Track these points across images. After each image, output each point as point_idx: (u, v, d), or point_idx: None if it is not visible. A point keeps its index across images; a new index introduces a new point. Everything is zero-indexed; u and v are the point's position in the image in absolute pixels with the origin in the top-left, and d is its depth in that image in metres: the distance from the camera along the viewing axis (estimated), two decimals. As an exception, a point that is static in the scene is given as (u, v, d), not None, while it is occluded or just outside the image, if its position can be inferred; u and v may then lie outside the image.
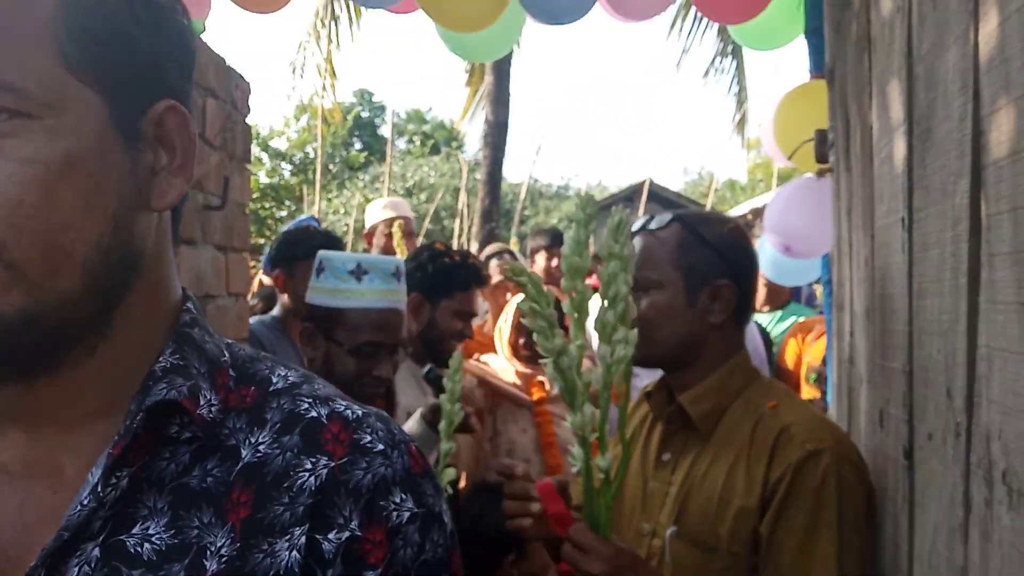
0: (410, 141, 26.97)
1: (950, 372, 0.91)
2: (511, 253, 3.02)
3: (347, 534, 0.63)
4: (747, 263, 1.39)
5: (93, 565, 0.61)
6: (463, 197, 7.16)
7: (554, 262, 3.84)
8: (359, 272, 1.70)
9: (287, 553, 0.62)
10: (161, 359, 0.66)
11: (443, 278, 2.16)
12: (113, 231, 0.63)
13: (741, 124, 10.16)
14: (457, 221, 7.75)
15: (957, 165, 0.89)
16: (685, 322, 1.34)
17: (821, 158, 1.86)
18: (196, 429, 0.65)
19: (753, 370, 1.38)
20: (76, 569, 0.60)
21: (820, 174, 1.96)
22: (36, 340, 0.60)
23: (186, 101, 0.68)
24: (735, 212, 11.81)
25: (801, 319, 3.33)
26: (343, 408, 0.69)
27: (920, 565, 1.04)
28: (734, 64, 9.33)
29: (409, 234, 3.64)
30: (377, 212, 3.78)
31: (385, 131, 26.67)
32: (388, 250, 3.58)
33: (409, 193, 19.51)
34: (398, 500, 0.66)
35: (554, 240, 3.95)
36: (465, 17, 2.16)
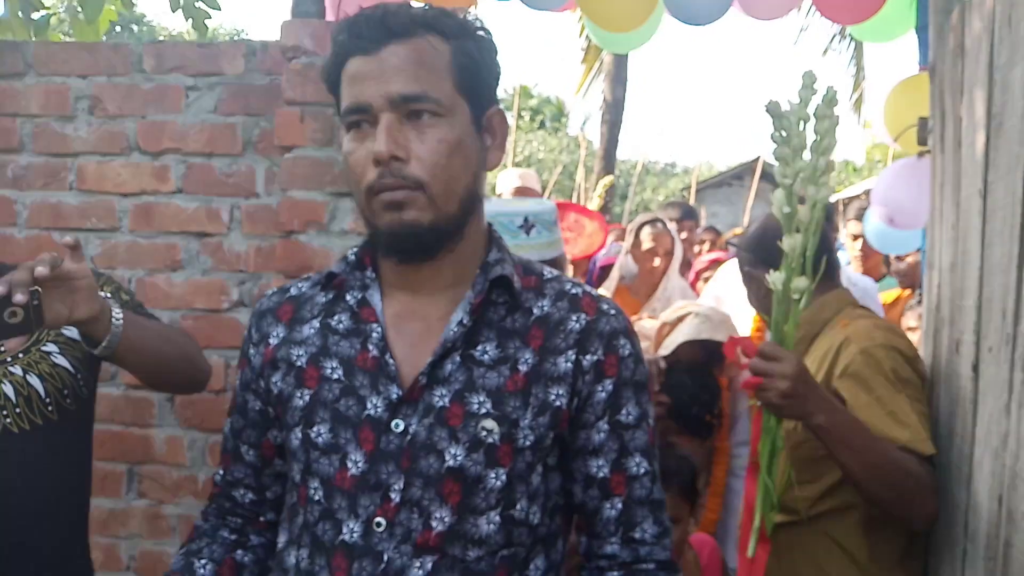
0: (519, 116, 27.36)
1: (1005, 299, 1.23)
2: (662, 221, 3.28)
3: (596, 357, 1.05)
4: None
5: (456, 365, 1.04)
6: (581, 171, 7.51)
7: (683, 235, 4.11)
8: (527, 226, 1.78)
9: (564, 364, 1.05)
10: (490, 254, 1.09)
11: None
12: (473, 181, 1.05)
13: (858, 103, 10.07)
14: (574, 196, 8.10)
15: (1018, 151, 1.20)
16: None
17: (922, 141, 2.14)
18: (507, 296, 1.07)
19: (845, 303, 1.74)
20: (448, 366, 1.04)
21: (920, 155, 2.23)
22: (432, 239, 1.03)
23: (499, 103, 1.09)
24: (849, 192, 11.66)
25: (894, 291, 3.61)
26: (589, 290, 1.11)
27: (979, 445, 1.36)
28: (852, 45, 9.28)
29: None
30: (507, 181, 4.14)
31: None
32: None
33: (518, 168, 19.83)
34: (622, 343, 1.07)
35: (685, 213, 4.21)
36: (619, 18, 2.51)
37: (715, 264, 3.77)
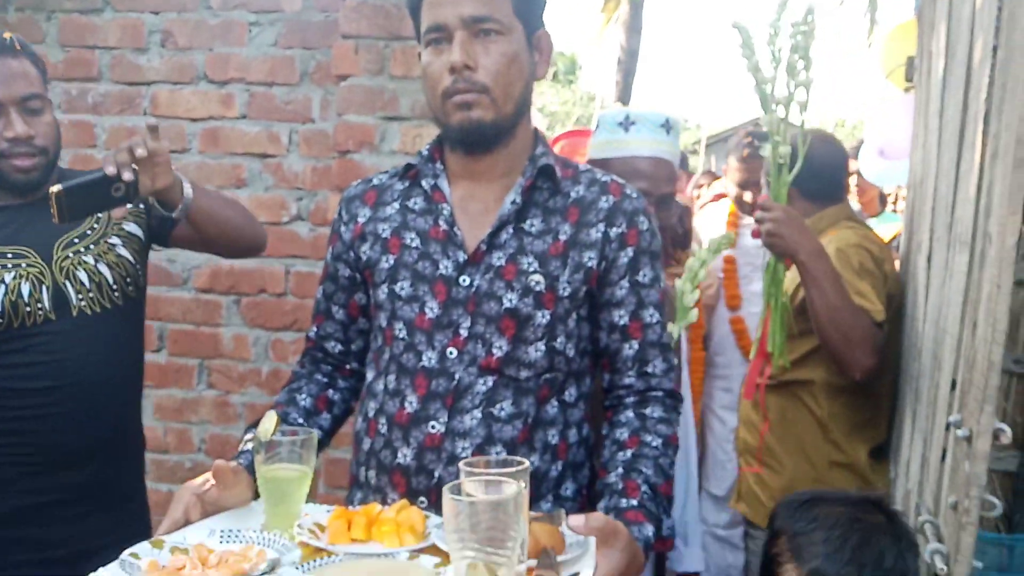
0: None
1: (948, 195, 1.51)
2: None
3: (621, 229, 1.35)
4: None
5: (510, 235, 1.34)
6: (595, 123, 7.70)
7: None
8: (627, 123, 1.76)
9: (595, 234, 1.34)
10: (537, 149, 1.38)
11: None
12: (525, 87, 1.33)
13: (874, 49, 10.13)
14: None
15: (963, 73, 1.48)
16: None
17: (909, 78, 2.40)
18: (550, 183, 1.36)
19: (843, 216, 2.05)
20: (503, 236, 1.34)
21: (907, 91, 2.50)
22: (492, 134, 1.32)
23: (545, 27, 1.37)
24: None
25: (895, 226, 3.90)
26: (616, 178, 1.40)
27: (928, 323, 1.66)
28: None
29: None
30: None
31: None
32: None
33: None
34: (641, 219, 1.36)
35: (683, 160, 4.47)
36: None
37: (719, 198, 4.05)
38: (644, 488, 1.27)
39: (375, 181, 1.48)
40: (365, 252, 1.42)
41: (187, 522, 1.20)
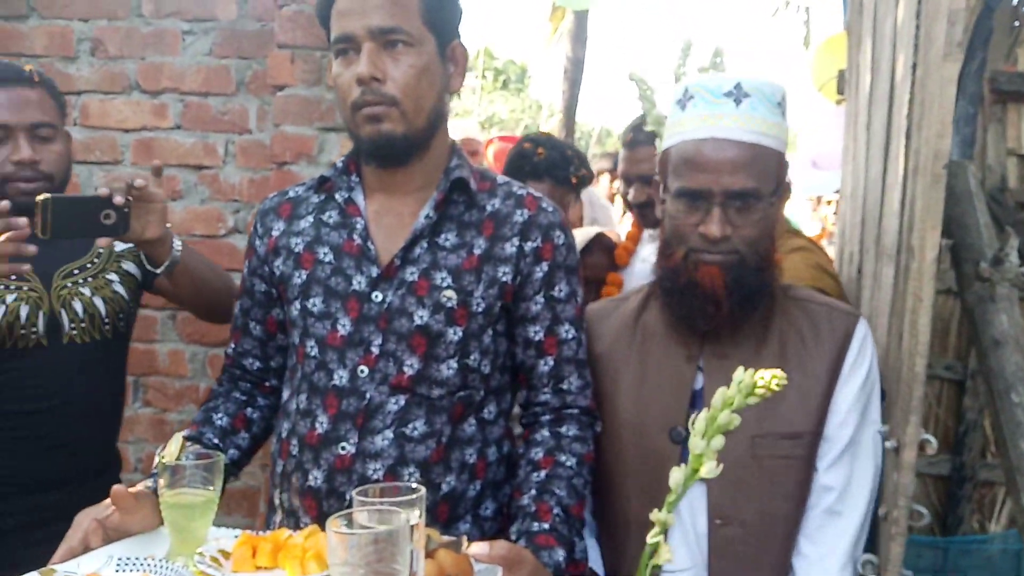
0: (482, 77, 27.22)
1: (876, 208, 1.48)
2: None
3: (535, 244, 1.28)
4: None
5: (424, 249, 1.26)
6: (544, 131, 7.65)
7: (616, 184, 4.30)
8: (685, 98, 1.27)
9: (510, 248, 1.27)
10: (452, 162, 1.30)
11: None
12: (438, 100, 1.26)
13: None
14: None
15: (887, 87, 1.44)
16: None
17: (840, 91, 2.38)
18: (465, 197, 1.28)
19: (782, 230, 1.99)
20: (417, 250, 1.27)
21: (839, 103, 2.48)
22: (404, 147, 1.25)
23: (460, 38, 1.30)
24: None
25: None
26: (533, 191, 1.34)
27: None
28: (800, 8, 9.46)
29: (473, 153, 4.11)
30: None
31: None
32: None
33: (480, 127, 19.85)
34: (557, 233, 1.30)
35: (615, 163, 4.42)
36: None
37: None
38: (556, 511, 1.21)
39: (291, 193, 1.40)
40: (278, 267, 1.34)
41: (86, 549, 1.12)
